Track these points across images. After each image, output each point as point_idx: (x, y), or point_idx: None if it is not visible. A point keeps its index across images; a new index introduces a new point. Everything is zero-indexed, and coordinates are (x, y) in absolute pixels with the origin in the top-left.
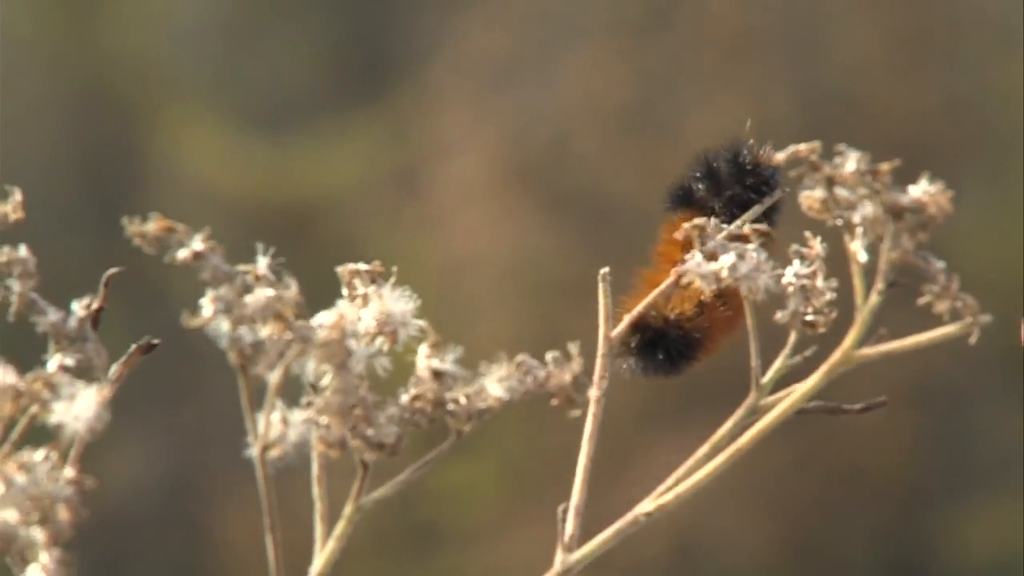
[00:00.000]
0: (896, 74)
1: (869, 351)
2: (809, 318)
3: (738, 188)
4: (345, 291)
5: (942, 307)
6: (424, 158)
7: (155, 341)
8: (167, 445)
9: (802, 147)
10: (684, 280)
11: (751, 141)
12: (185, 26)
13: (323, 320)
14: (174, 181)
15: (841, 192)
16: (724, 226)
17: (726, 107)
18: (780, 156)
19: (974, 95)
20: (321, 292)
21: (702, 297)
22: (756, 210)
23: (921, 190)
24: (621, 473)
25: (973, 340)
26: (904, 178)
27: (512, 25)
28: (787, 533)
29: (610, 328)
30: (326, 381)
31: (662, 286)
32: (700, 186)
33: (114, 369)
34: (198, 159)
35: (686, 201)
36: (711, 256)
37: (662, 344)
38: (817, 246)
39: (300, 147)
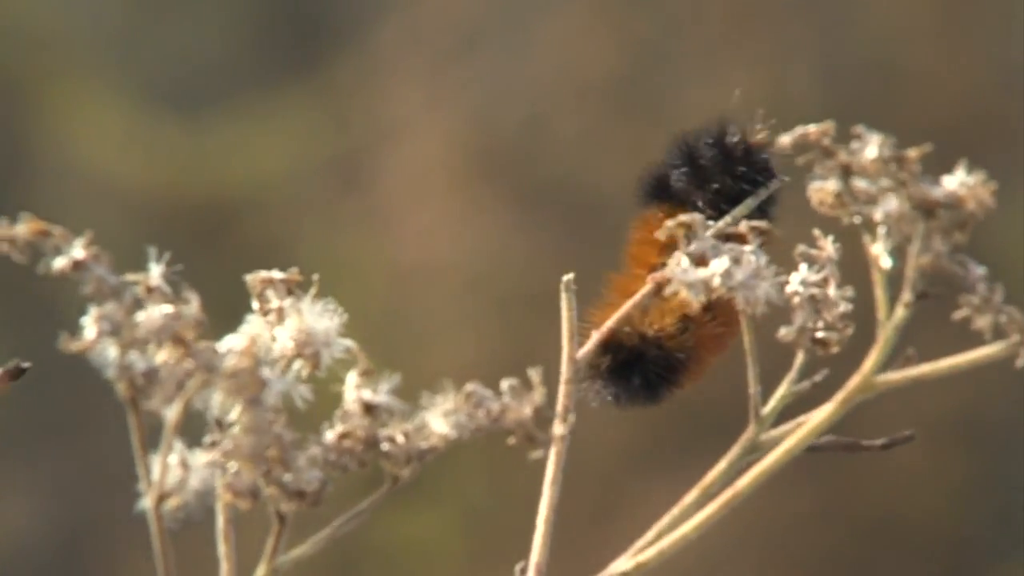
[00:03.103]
0: (942, 43)
1: (894, 376)
2: (820, 335)
3: (726, 178)
4: (256, 305)
5: (982, 323)
6: (369, 144)
7: (25, 365)
8: (59, 491)
9: (812, 128)
10: (667, 290)
11: (741, 119)
12: None
13: (231, 344)
14: (66, 171)
15: (860, 184)
16: (711, 223)
17: (734, 82)
18: (785, 139)
19: None
20: (245, 306)
21: (686, 310)
22: (749, 204)
23: (957, 181)
24: (612, 523)
25: (1021, 362)
26: (949, 167)
27: None
28: None
29: (575, 348)
30: (234, 416)
31: (637, 296)
32: (679, 175)
33: None
34: (95, 144)
35: (662, 193)
36: (700, 260)
37: (638, 367)
38: (829, 247)
39: (219, 130)
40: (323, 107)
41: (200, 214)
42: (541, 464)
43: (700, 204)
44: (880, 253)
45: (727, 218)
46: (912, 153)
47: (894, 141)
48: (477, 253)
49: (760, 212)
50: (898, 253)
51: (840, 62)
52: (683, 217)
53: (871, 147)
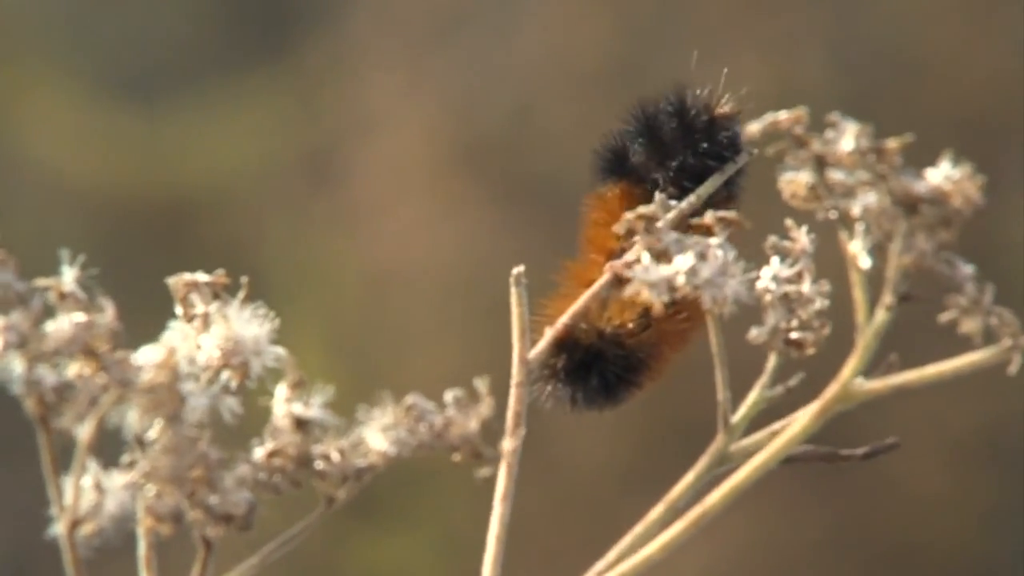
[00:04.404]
0: (962, 27)
1: (875, 384)
2: (794, 335)
3: (689, 154)
4: (180, 310)
5: (971, 326)
6: (343, 136)
7: None
8: (5, 513)
9: (783, 115)
10: (628, 291)
11: (705, 88)
12: None
13: (146, 358)
14: (13, 164)
15: (836, 176)
16: (674, 203)
17: (740, 70)
18: (754, 127)
19: None
20: None
21: (648, 304)
22: (715, 181)
23: (942, 175)
24: (605, 547)
25: (1013, 369)
26: (971, 158)
27: None
28: None
29: (526, 348)
30: (155, 433)
31: (593, 288)
32: (638, 149)
33: None
34: (46, 135)
35: (619, 169)
36: (662, 255)
37: (596, 367)
38: (803, 238)
39: (180, 121)
40: (292, 96)
41: (159, 211)
42: (524, 486)
43: (661, 182)
44: (858, 252)
45: (691, 197)
46: (892, 144)
47: (872, 130)
48: (460, 254)
49: (726, 188)
50: (878, 252)
51: (854, 47)
52: (643, 209)
53: (847, 138)
